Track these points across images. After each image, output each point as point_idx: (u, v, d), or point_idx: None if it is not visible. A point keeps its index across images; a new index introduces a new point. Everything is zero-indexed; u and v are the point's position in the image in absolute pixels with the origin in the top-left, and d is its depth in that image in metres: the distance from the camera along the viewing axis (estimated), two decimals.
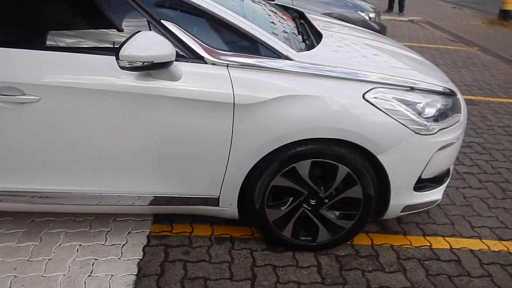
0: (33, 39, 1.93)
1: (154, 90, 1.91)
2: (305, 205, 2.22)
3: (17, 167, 2.04)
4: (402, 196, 2.22)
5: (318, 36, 2.47)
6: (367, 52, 2.40)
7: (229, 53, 1.97)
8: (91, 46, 1.96)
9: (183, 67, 1.93)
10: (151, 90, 1.91)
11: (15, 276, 2.07)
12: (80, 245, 2.29)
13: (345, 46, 2.42)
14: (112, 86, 1.89)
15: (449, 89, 2.28)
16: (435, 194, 2.34)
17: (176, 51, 1.91)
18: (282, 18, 2.69)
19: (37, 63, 1.88)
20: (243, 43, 2.01)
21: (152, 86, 1.90)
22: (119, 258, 2.21)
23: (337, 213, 2.25)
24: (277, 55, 2.01)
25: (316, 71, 2.00)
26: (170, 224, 2.48)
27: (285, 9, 3.15)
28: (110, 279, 2.08)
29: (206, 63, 1.95)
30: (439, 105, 2.19)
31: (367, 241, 2.45)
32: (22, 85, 1.87)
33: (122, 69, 1.73)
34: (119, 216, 2.53)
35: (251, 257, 2.27)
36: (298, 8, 3.33)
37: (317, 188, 2.17)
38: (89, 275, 2.09)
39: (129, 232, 2.41)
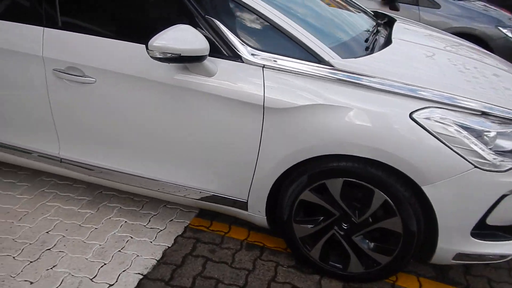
0: (94, 26, 2.12)
1: (189, 83, 1.94)
2: (336, 228, 2.01)
3: (78, 140, 2.28)
4: (454, 240, 1.85)
5: (387, 44, 2.22)
6: (444, 67, 2.06)
7: (267, 53, 1.89)
8: (142, 36, 2.07)
9: (220, 64, 1.92)
10: (186, 84, 1.94)
11: (63, 236, 2.32)
12: (125, 222, 2.46)
13: (415, 58, 2.11)
14: (153, 76, 1.98)
15: None
16: (507, 247, 1.89)
17: (218, 47, 1.91)
18: (356, 22, 2.48)
19: (96, 48, 2.07)
20: (286, 44, 1.90)
21: (188, 80, 1.93)
22: (151, 242, 2.30)
23: (372, 244, 1.99)
24: (318, 59, 1.86)
25: (356, 80, 1.79)
26: (210, 221, 2.50)
27: (376, 15, 2.90)
28: (134, 258, 2.18)
29: (243, 62, 1.90)
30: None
31: (415, 285, 2.10)
32: (82, 67, 2.09)
33: (153, 59, 1.80)
34: (170, 203, 2.64)
35: (273, 271, 2.14)
36: (397, 17, 3.03)
37: (350, 211, 1.94)
38: (119, 250, 2.23)
39: (172, 220, 2.49)
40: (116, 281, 2.03)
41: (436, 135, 1.71)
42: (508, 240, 1.89)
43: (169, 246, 2.28)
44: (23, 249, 2.22)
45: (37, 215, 2.48)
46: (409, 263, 1.99)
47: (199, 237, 2.36)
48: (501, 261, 1.92)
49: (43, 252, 2.20)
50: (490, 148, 1.72)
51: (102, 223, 2.44)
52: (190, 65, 1.90)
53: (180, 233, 2.38)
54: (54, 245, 2.25)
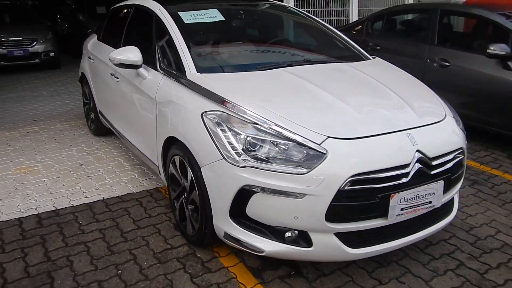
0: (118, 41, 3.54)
1: (136, 82, 3.12)
2: (183, 197, 2.69)
3: (119, 117, 3.77)
4: (221, 219, 2.29)
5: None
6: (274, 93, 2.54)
7: (167, 67, 2.86)
8: None
9: (151, 72, 3.01)
10: (136, 81, 3.13)
11: (99, 170, 3.81)
12: (135, 176, 3.75)
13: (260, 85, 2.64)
14: (132, 78, 3.24)
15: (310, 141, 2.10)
16: (261, 243, 2.18)
17: (153, 61, 3.02)
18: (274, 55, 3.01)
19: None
20: (178, 61, 2.81)
21: (137, 79, 3.12)
22: (130, 187, 3.52)
23: (191, 211, 2.58)
24: (183, 71, 2.69)
25: (190, 87, 2.56)
26: None
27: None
28: (112, 190, 3.45)
29: (157, 72, 2.94)
30: (271, 146, 2.13)
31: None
32: (116, 72, 3.57)
33: (115, 65, 3.07)
34: None
35: (162, 220, 2.97)
36: None
37: (185, 184, 2.62)
38: (112, 186, 3.54)
39: (156, 182, 3.61)
40: (90, 197, 3.35)
41: (210, 131, 2.29)
42: (263, 237, 2.17)
43: (134, 192, 3.43)
44: (80, 172, 3.84)
45: (105, 161, 4.09)
46: (206, 235, 2.45)
47: (154, 194, 3.40)
48: (261, 254, 2.18)
49: (83, 174, 3.76)
50: (247, 149, 2.14)
51: (122, 171, 3.83)
52: (137, 71, 3.06)
53: (148, 189, 3.49)
54: (91, 173, 3.80)
